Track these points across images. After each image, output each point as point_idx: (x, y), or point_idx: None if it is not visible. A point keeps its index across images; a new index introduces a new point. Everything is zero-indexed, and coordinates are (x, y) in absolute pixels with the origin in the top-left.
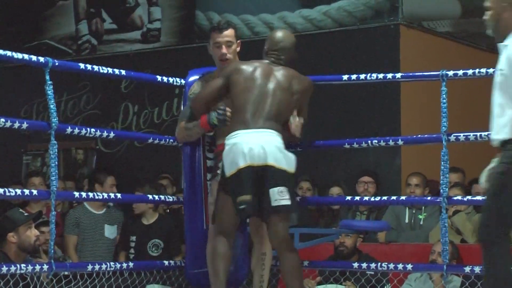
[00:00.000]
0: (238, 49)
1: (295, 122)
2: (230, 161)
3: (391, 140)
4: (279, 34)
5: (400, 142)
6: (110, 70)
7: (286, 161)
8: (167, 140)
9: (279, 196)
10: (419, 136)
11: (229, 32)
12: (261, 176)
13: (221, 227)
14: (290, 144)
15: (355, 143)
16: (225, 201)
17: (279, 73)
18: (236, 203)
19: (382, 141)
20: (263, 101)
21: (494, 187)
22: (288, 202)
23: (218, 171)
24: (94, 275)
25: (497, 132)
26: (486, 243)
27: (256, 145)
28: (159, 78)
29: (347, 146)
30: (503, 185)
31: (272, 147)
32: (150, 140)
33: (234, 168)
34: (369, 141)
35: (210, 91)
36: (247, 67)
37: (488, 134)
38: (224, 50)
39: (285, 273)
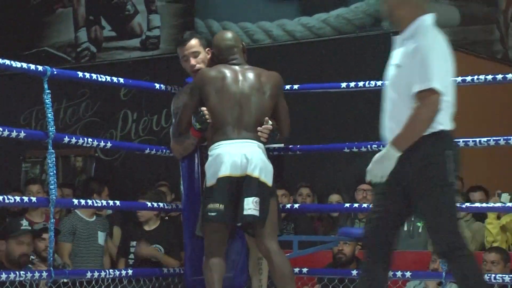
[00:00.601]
0: (209, 56)
1: (262, 127)
2: (212, 172)
3: None
4: (226, 36)
5: None
6: (108, 78)
7: (266, 174)
8: (164, 151)
9: (253, 205)
10: None
11: (193, 43)
12: (241, 186)
13: (210, 238)
14: (288, 148)
15: (354, 147)
16: None
17: (248, 74)
18: (205, 210)
19: (381, 145)
20: (241, 110)
21: (434, 191)
22: (256, 214)
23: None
24: (94, 282)
25: (392, 131)
26: (456, 251)
27: (239, 155)
28: (157, 86)
29: (346, 150)
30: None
31: (255, 158)
32: (147, 151)
33: (215, 179)
34: (369, 146)
35: (187, 113)
36: (215, 76)
37: (487, 140)
38: (192, 61)
39: (275, 279)
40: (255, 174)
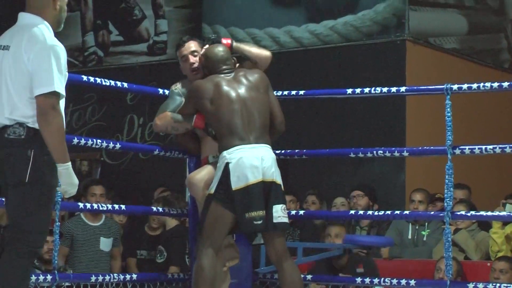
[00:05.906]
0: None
1: None
2: (238, 175)
3: (396, 151)
4: (218, 48)
5: (405, 154)
6: (113, 82)
7: (281, 178)
8: (173, 152)
9: (282, 213)
10: (425, 148)
11: (192, 43)
12: (268, 192)
13: (213, 241)
14: (294, 152)
15: (360, 153)
16: (221, 214)
17: (239, 78)
18: (247, 218)
19: (387, 151)
20: (247, 114)
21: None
22: (287, 221)
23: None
24: (98, 286)
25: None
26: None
27: (263, 160)
28: (160, 91)
29: (352, 155)
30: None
31: (274, 163)
32: (156, 152)
33: (243, 182)
34: (375, 152)
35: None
36: (209, 86)
37: (493, 148)
38: (191, 59)
39: (284, 286)
40: (279, 180)
